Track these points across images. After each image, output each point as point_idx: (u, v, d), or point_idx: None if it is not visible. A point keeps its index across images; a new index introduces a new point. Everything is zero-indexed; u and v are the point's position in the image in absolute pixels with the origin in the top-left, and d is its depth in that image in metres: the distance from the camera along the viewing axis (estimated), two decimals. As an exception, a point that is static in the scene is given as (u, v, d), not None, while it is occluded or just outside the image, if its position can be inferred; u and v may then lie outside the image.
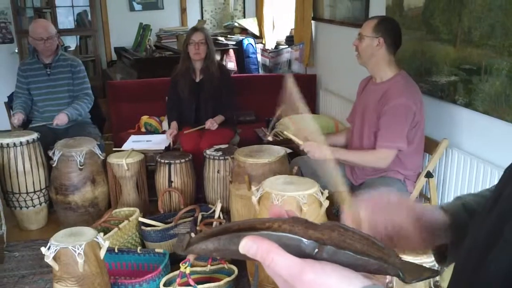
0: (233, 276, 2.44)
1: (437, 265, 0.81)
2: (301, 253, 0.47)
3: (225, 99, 3.69)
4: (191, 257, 2.37)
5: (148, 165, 3.54)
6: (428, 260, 1.87)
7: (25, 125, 3.71)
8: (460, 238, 0.72)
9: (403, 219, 0.72)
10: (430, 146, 2.70)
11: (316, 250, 0.47)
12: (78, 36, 5.95)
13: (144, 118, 4.26)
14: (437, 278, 1.88)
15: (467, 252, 0.62)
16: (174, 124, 3.71)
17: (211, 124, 3.56)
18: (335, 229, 0.51)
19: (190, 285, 2.27)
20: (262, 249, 0.47)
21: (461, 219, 0.74)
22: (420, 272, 0.51)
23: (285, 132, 2.79)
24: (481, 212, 0.62)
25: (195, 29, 3.68)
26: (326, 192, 2.39)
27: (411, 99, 2.49)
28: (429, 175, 2.65)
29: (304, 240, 0.47)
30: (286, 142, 3.62)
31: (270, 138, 2.95)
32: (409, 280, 0.50)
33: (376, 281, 0.48)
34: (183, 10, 6.00)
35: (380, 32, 2.54)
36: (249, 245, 0.47)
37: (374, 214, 0.71)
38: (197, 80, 3.71)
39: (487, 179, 2.37)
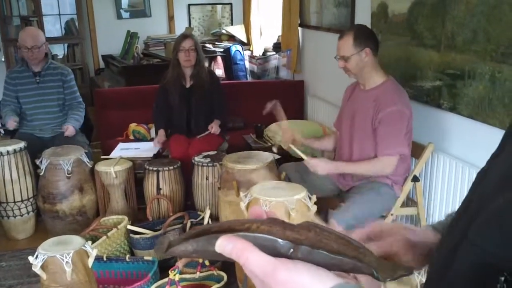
0: (222, 283, 2.44)
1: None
2: (277, 253, 0.48)
3: (217, 104, 3.71)
4: (180, 264, 2.36)
5: (137, 172, 3.53)
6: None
7: (12, 133, 3.68)
8: None
9: (399, 247, 0.74)
10: (416, 150, 2.73)
11: (291, 250, 0.49)
12: (65, 44, 5.93)
13: (132, 126, 4.25)
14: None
15: (438, 255, 0.64)
16: (161, 131, 3.71)
17: (215, 128, 3.60)
18: (311, 229, 0.52)
19: (179, 292, 2.27)
20: (237, 248, 0.48)
21: None
22: (395, 271, 0.52)
23: (292, 147, 2.74)
24: (454, 218, 0.64)
25: (184, 36, 3.69)
26: (314, 197, 2.41)
27: (405, 105, 2.53)
28: (415, 179, 2.68)
29: (280, 240, 0.49)
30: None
31: (275, 150, 3.03)
32: (384, 279, 0.51)
33: (349, 279, 0.50)
34: (170, 18, 6.01)
35: (362, 43, 2.54)
36: (224, 245, 0.48)
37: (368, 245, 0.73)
38: (187, 86, 3.73)
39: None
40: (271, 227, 0.51)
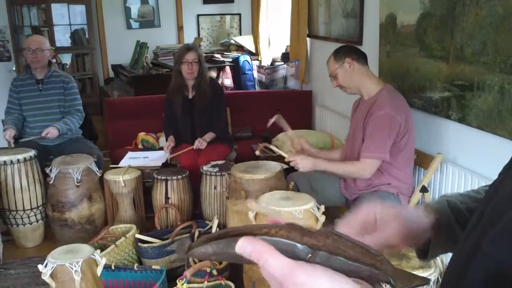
0: (230, 292, 2.43)
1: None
2: (295, 258, 0.49)
3: (216, 116, 3.71)
4: (188, 274, 2.37)
5: (145, 181, 3.55)
6: (425, 274, 1.88)
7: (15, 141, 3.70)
8: (441, 234, 0.75)
9: (393, 236, 0.74)
10: (425, 160, 2.72)
11: (310, 255, 0.49)
12: (75, 54, 5.98)
13: (141, 135, 4.28)
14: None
15: (452, 266, 0.64)
16: (171, 137, 3.72)
17: (200, 143, 3.55)
18: (329, 236, 0.52)
19: (187, 302, 2.27)
20: (256, 249, 0.49)
21: (445, 216, 0.76)
22: (411, 280, 0.53)
23: (271, 147, 2.84)
24: (467, 229, 0.64)
25: (188, 48, 3.66)
26: (322, 207, 2.40)
27: (395, 109, 2.52)
28: (424, 189, 2.67)
29: (298, 245, 0.49)
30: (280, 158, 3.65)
31: (257, 153, 3.05)
32: (400, 287, 0.51)
33: (366, 286, 0.50)
34: (179, 28, 6.06)
35: (343, 56, 2.64)
36: (244, 246, 0.49)
37: (362, 235, 0.73)
38: (190, 96, 3.74)
39: (481, 194, 2.39)
40: (289, 232, 0.52)
